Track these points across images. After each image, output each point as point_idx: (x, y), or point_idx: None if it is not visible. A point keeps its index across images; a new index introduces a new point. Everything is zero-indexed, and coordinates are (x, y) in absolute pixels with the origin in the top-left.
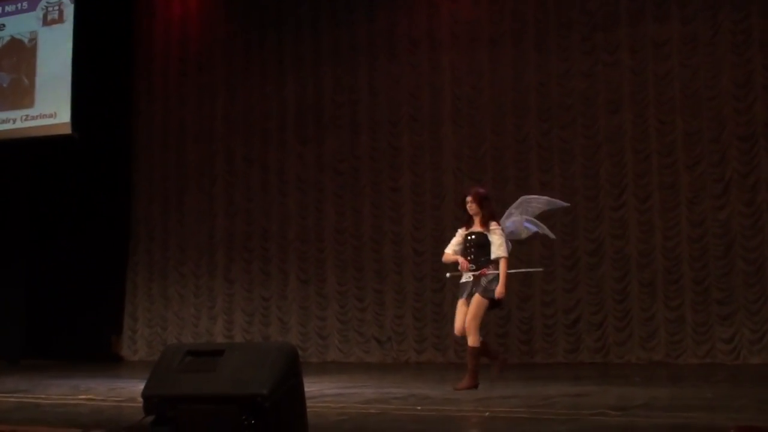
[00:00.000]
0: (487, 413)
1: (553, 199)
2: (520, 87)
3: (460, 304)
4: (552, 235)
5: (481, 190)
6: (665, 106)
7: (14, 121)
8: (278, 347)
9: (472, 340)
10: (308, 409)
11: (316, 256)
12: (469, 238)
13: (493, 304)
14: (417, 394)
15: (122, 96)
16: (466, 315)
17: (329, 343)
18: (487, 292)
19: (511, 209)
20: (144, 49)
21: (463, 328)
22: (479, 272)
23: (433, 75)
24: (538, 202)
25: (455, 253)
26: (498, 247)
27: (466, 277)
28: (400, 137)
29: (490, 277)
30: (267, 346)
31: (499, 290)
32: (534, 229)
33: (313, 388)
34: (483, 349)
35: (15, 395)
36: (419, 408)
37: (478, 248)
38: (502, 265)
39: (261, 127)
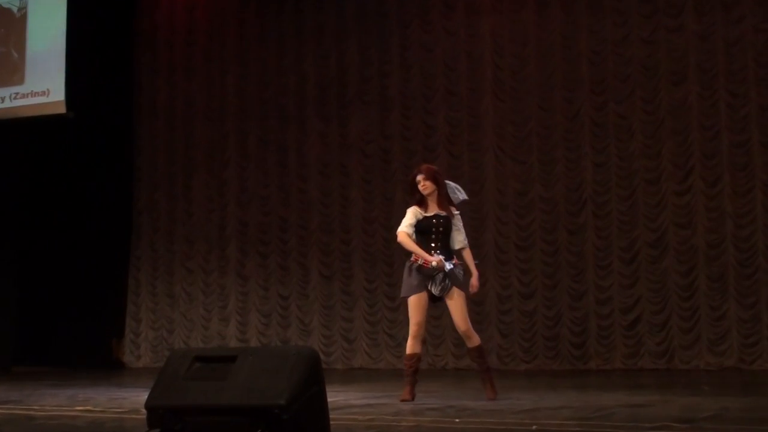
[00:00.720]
0: (534, 426)
1: (456, 187)
2: (570, 56)
3: (420, 298)
4: (463, 195)
5: (434, 167)
6: (737, 76)
7: (2, 99)
8: (298, 352)
9: (476, 339)
10: (332, 422)
11: (341, 249)
12: (434, 221)
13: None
14: (455, 405)
15: (122, 70)
16: (425, 310)
17: (356, 347)
18: (464, 287)
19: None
20: (146, 18)
21: (422, 324)
22: (453, 263)
23: (471, 43)
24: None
25: (413, 233)
26: (463, 235)
27: (428, 267)
28: (434, 114)
29: (458, 267)
30: (285, 351)
31: (475, 284)
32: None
33: (338, 398)
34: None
35: (5, 406)
36: (458, 420)
37: (445, 234)
38: (469, 255)
39: (277, 104)
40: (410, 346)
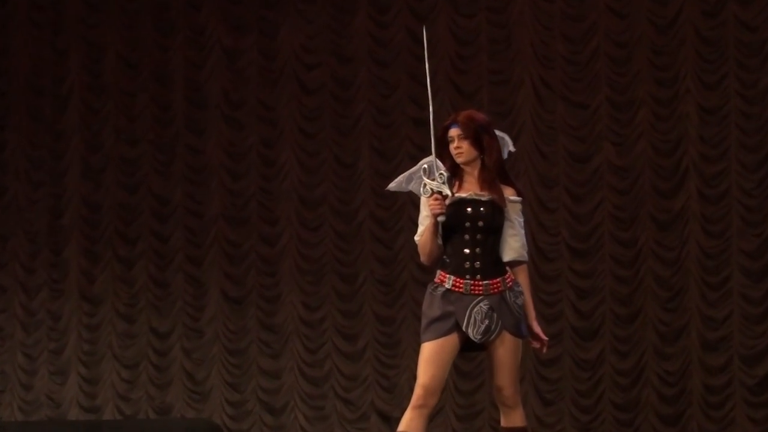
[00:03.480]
0: None
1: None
2: None
3: (443, 345)
4: (510, 146)
5: (479, 114)
6: None
7: None
8: (189, 430)
9: (522, 416)
10: None
11: (261, 252)
12: (469, 210)
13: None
14: None
15: None
16: (445, 369)
17: (287, 423)
18: (523, 328)
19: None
20: None
21: (435, 390)
22: (494, 284)
23: None
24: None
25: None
26: (522, 239)
27: (465, 292)
28: (434, 19)
29: (517, 293)
30: (167, 428)
31: (540, 334)
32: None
33: None
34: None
35: None
36: None
37: (490, 233)
38: (526, 277)
39: (156, 3)
40: (406, 422)
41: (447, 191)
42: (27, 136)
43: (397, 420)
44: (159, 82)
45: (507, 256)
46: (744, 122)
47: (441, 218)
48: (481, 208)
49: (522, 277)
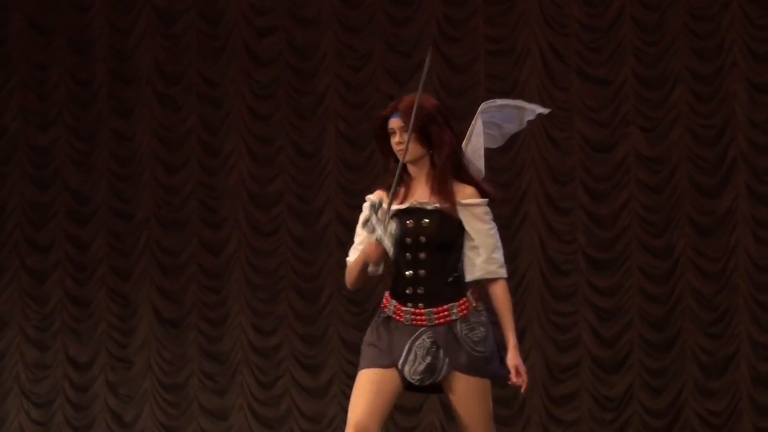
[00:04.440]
0: None
1: (531, 105)
2: None
3: (375, 376)
4: (542, 109)
5: (428, 99)
6: None
7: None
8: None
9: None
10: None
11: (204, 263)
12: (408, 223)
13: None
14: None
15: None
16: (381, 403)
17: None
18: (485, 366)
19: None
20: None
21: (367, 430)
22: (439, 313)
23: None
24: (502, 114)
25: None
26: (491, 251)
27: (405, 323)
28: None
29: (473, 324)
30: None
31: (519, 367)
32: (509, 124)
33: None
34: None
35: None
36: None
37: (436, 250)
38: (505, 296)
39: None
40: None
41: (389, 246)
42: None
43: None
44: (76, 51)
45: (469, 275)
46: None
47: (372, 269)
48: (424, 220)
49: (496, 296)
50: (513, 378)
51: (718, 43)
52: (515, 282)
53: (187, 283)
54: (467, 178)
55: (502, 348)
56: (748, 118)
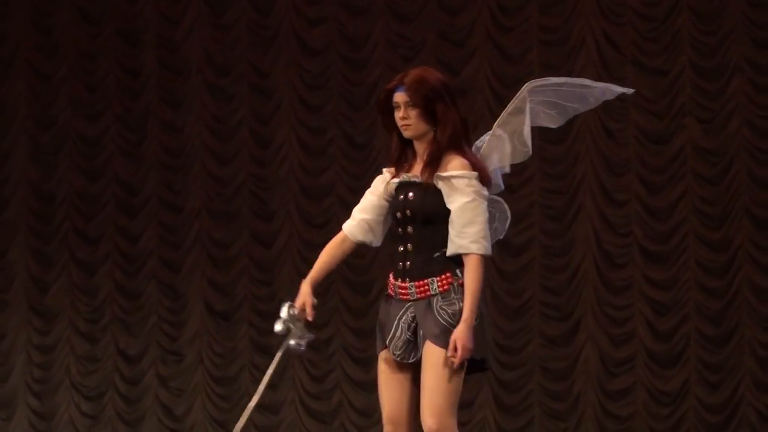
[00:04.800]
0: None
1: (596, 84)
2: None
3: (385, 364)
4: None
5: (432, 73)
6: None
7: None
8: None
9: None
10: None
11: (256, 256)
12: (401, 197)
13: (473, 362)
14: None
15: None
16: (403, 391)
17: None
18: (445, 340)
19: (504, 119)
20: None
21: (400, 420)
22: (420, 287)
23: None
24: (560, 93)
25: (364, 231)
26: (466, 224)
27: (395, 297)
28: None
29: (452, 300)
30: None
31: (462, 340)
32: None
33: None
34: None
35: None
36: None
37: (417, 225)
38: (470, 269)
39: None
40: None
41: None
42: None
43: None
44: (126, 42)
45: (448, 250)
46: None
47: (370, 240)
48: (410, 194)
49: (465, 271)
50: (449, 352)
51: None
52: (569, 274)
53: (238, 276)
54: (459, 150)
55: (486, 327)
56: None
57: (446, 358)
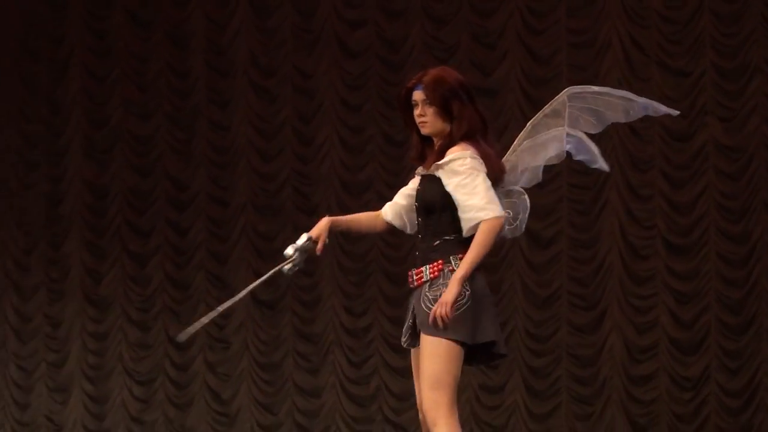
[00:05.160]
0: None
1: (637, 98)
2: None
3: (413, 352)
4: (605, 166)
5: (450, 73)
6: None
7: None
8: None
9: None
10: None
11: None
12: (417, 190)
13: (471, 348)
14: None
15: None
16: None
17: None
18: (436, 325)
19: (540, 121)
20: None
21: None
22: (418, 275)
23: None
24: (601, 102)
25: (394, 213)
26: (468, 198)
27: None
28: None
29: (439, 285)
30: None
31: (444, 291)
32: (581, 155)
33: None
34: None
35: None
36: None
37: (424, 214)
38: (479, 231)
39: None
40: None
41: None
42: (19, 108)
43: None
44: (175, 45)
45: (463, 232)
46: None
47: (400, 224)
48: (419, 186)
49: (475, 236)
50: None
51: None
52: (595, 266)
53: None
54: (469, 144)
55: (483, 311)
56: None
57: (434, 346)
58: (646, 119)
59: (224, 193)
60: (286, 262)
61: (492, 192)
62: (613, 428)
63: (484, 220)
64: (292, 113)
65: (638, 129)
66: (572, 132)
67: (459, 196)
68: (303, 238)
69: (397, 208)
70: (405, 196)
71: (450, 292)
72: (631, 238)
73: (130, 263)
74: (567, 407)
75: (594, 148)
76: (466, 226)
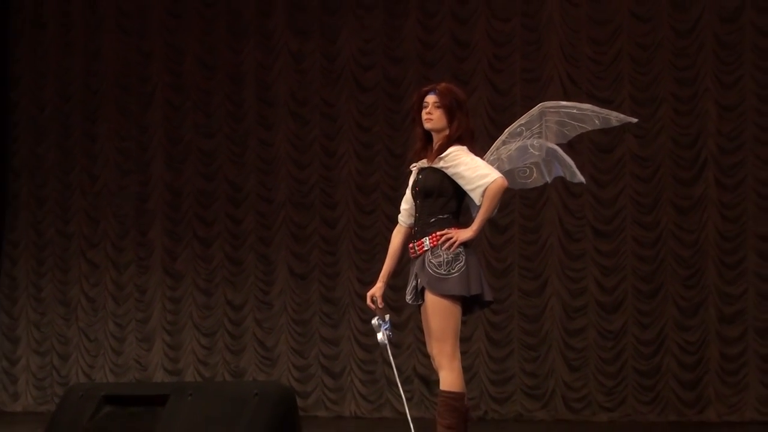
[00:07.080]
0: None
1: (602, 111)
2: None
3: (422, 311)
4: (581, 178)
5: (457, 89)
6: None
7: None
8: (261, 392)
9: (448, 379)
10: None
11: (323, 234)
12: (416, 179)
13: (467, 300)
14: None
15: None
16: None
17: (344, 385)
18: (440, 284)
19: (516, 129)
20: None
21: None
22: (419, 245)
23: None
24: (571, 115)
25: (409, 215)
26: (471, 173)
27: (411, 256)
28: (470, 24)
29: (437, 253)
30: (241, 389)
31: (462, 233)
32: (556, 171)
33: None
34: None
35: None
36: None
37: (422, 197)
38: (486, 197)
39: (228, 8)
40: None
41: (382, 336)
42: (116, 130)
43: (436, 383)
44: (233, 82)
45: (476, 201)
46: (759, 119)
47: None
48: (420, 176)
49: (487, 195)
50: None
51: (694, 75)
52: (539, 246)
53: (312, 248)
54: (463, 145)
55: (473, 272)
56: (716, 129)
57: (439, 304)
58: (579, 135)
59: (269, 192)
60: (380, 335)
61: (484, 162)
62: (553, 369)
63: (489, 184)
64: (319, 133)
65: (572, 142)
66: (550, 146)
67: (465, 173)
68: (374, 320)
69: (406, 212)
70: (406, 200)
71: (464, 234)
72: (567, 225)
73: (198, 245)
74: (518, 352)
75: (569, 160)
76: (476, 194)
